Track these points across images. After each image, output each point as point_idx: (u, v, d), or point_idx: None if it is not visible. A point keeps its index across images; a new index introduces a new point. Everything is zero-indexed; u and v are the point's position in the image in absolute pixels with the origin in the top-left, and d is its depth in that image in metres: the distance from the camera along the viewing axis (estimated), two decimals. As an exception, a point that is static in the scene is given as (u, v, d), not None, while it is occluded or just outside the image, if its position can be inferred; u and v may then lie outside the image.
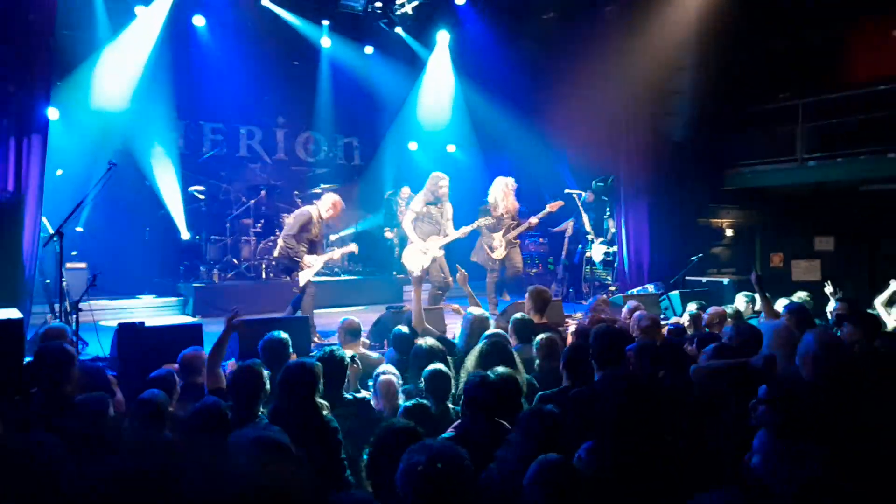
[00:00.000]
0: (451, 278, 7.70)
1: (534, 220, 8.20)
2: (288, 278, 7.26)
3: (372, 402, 3.94)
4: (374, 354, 5.27)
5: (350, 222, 11.60)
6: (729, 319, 5.72)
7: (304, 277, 7.03)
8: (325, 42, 11.50)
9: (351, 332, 5.12)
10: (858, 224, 10.46)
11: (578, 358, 3.72)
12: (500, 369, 3.37)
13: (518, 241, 8.40)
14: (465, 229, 7.59)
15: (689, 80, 9.64)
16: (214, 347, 4.00)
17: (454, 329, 5.92)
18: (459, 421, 3.15)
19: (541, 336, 4.50)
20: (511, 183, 8.21)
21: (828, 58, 10.32)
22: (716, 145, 10.35)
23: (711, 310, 5.77)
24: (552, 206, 8.38)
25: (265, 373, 3.63)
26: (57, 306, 6.32)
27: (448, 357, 4.27)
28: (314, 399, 3.29)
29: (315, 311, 7.25)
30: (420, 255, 7.54)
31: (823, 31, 10.14)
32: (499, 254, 8.09)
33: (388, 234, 11.35)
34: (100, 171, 7.24)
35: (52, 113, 6.56)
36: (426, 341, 4.22)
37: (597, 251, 10.35)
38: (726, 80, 10.02)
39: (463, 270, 5.88)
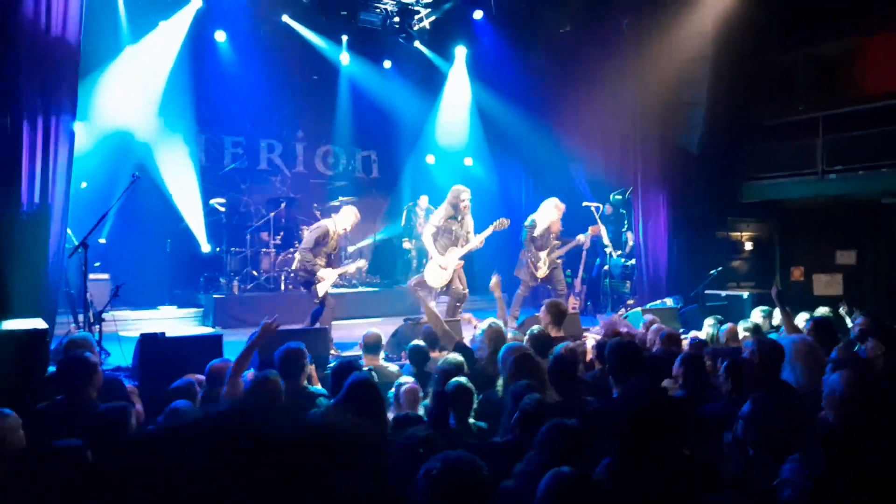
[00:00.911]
0: (468, 290, 7.69)
1: (581, 237, 8.46)
2: (306, 291, 7.33)
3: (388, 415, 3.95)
4: (394, 367, 5.29)
5: (368, 233, 11.68)
6: (747, 333, 5.69)
7: (321, 290, 7.10)
8: (344, 57, 11.66)
9: (371, 345, 5.15)
10: (881, 237, 10.31)
11: (560, 370, 3.69)
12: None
13: (561, 261, 8.48)
14: (481, 237, 7.54)
15: (705, 93, 9.60)
16: (243, 353, 4.02)
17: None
18: (511, 436, 3.12)
19: (560, 347, 4.48)
20: (561, 206, 8.28)
21: (847, 70, 10.24)
22: (734, 157, 10.29)
23: (726, 327, 5.73)
24: (593, 230, 8.65)
25: (281, 383, 3.68)
26: (81, 316, 6.42)
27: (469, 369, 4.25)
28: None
29: (333, 322, 7.29)
30: (440, 270, 7.50)
31: (842, 43, 10.06)
32: (542, 272, 8.12)
33: (406, 245, 11.40)
34: (122, 183, 7.37)
35: (78, 127, 6.70)
36: (451, 357, 4.17)
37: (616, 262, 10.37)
38: (743, 92, 9.99)
39: (497, 275, 5.84)
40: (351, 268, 7.93)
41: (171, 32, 9.97)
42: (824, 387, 3.24)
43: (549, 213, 8.10)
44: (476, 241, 7.51)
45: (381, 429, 3.19)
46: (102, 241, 9.21)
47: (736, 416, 3.21)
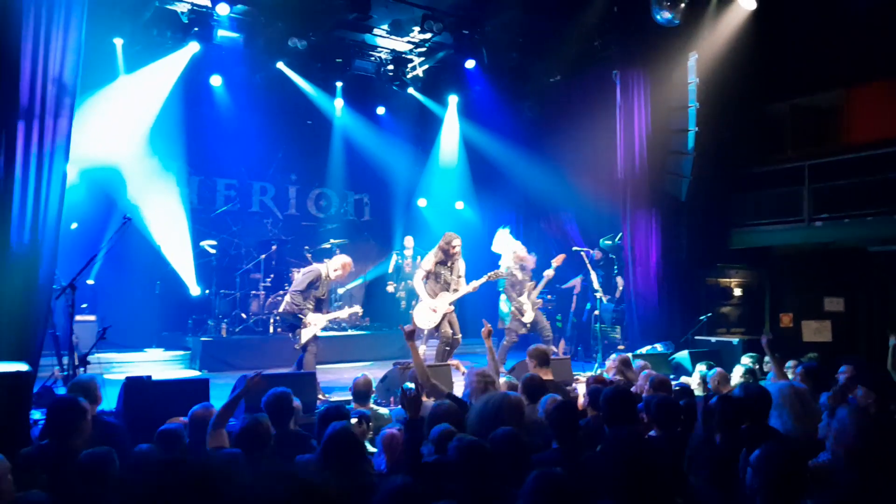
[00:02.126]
0: (460, 335, 7.65)
1: (549, 272, 8.52)
2: (290, 335, 7.23)
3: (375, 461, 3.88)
4: (385, 411, 5.23)
5: (358, 275, 11.68)
6: (741, 379, 5.70)
7: (306, 335, 7.00)
8: (339, 103, 11.86)
9: (361, 392, 5.11)
10: (869, 284, 10.40)
11: (563, 418, 3.65)
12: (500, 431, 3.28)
13: (540, 301, 8.53)
14: (475, 284, 7.54)
15: (693, 142, 9.77)
16: (227, 405, 3.95)
17: (461, 387, 5.86)
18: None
19: (547, 398, 4.43)
20: (520, 248, 8.40)
21: (833, 120, 10.47)
22: (722, 205, 10.42)
23: (714, 372, 5.73)
24: (556, 261, 8.70)
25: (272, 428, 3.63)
26: (66, 359, 6.33)
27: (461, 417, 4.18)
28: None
29: (321, 366, 7.20)
30: (430, 312, 7.49)
31: (829, 94, 10.32)
32: (528, 316, 8.19)
33: (390, 289, 11.42)
34: (112, 223, 7.36)
35: (71, 169, 6.71)
36: (443, 404, 4.11)
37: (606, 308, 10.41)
38: (731, 141, 10.18)
39: (488, 325, 5.84)
40: (343, 313, 7.85)
41: (165, 72, 10.01)
42: (834, 422, 3.22)
43: (507, 249, 8.24)
44: (469, 287, 7.51)
45: (360, 480, 3.12)
46: (90, 282, 9.14)
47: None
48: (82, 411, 3.34)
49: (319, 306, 7.26)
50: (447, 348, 7.58)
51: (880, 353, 8.75)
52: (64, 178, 6.31)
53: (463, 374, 6.09)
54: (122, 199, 9.58)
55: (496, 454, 2.96)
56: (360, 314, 8.00)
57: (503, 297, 8.39)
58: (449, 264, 7.60)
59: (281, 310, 7.42)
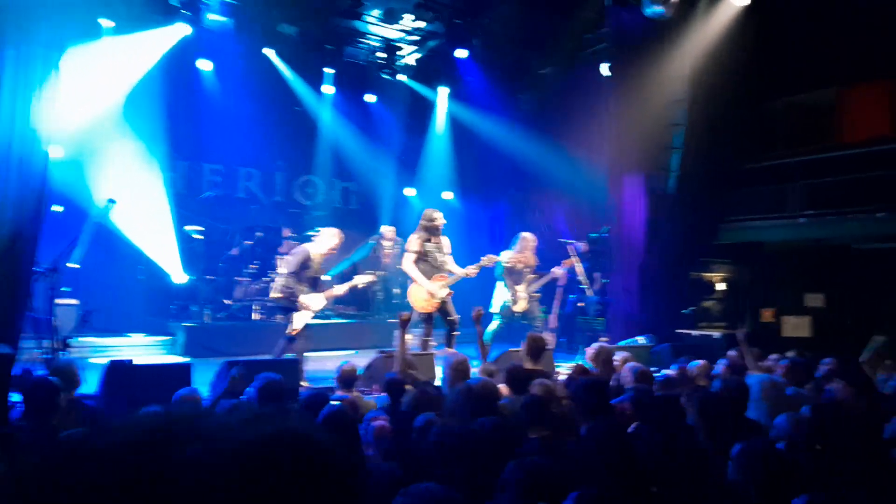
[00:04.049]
0: (457, 315, 7.46)
1: (558, 271, 8.49)
2: (281, 317, 7.06)
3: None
4: (369, 398, 5.24)
5: (342, 260, 11.63)
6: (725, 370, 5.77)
7: (300, 319, 6.82)
8: (328, 89, 11.78)
9: (347, 378, 5.11)
10: (850, 282, 10.52)
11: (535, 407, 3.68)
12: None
13: (538, 294, 8.52)
14: (472, 269, 7.38)
15: (683, 137, 9.81)
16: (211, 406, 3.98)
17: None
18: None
19: (534, 383, 4.46)
20: (531, 238, 8.36)
21: (821, 118, 10.55)
22: (708, 200, 10.47)
23: (696, 364, 5.78)
24: (567, 263, 8.73)
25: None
26: (46, 342, 6.28)
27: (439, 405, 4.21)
28: (361, 450, 3.23)
29: (305, 354, 7.11)
30: (427, 296, 7.27)
31: (820, 92, 10.39)
32: (520, 306, 8.15)
33: (368, 277, 11.30)
34: (97, 208, 7.28)
35: (57, 151, 6.63)
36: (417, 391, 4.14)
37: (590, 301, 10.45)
38: (720, 137, 10.23)
39: (479, 308, 5.81)
40: (343, 288, 7.31)
41: (152, 44, 9.79)
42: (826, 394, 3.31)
43: (519, 247, 8.20)
44: (468, 271, 7.34)
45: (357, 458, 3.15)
46: (76, 265, 9.04)
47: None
48: (54, 389, 3.34)
49: (316, 285, 7.07)
50: (427, 338, 7.52)
51: (859, 348, 8.88)
52: (46, 157, 6.23)
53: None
54: (107, 183, 9.46)
55: (474, 443, 2.98)
56: (375, 280, 7.63)
57: (500, 284, 8.37)
58: (434, 241, 7.38)
59: (274, 295, 7.10)
